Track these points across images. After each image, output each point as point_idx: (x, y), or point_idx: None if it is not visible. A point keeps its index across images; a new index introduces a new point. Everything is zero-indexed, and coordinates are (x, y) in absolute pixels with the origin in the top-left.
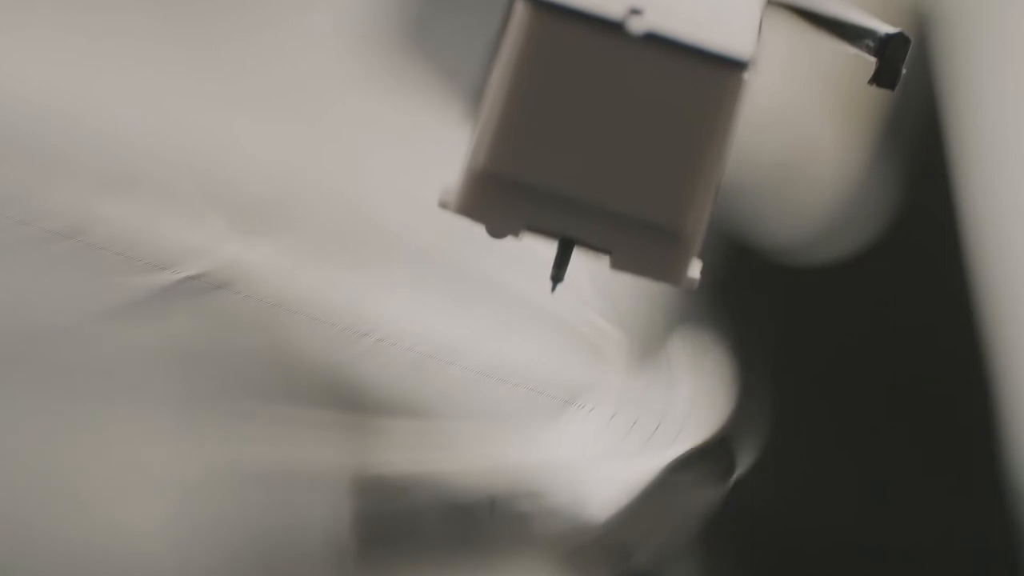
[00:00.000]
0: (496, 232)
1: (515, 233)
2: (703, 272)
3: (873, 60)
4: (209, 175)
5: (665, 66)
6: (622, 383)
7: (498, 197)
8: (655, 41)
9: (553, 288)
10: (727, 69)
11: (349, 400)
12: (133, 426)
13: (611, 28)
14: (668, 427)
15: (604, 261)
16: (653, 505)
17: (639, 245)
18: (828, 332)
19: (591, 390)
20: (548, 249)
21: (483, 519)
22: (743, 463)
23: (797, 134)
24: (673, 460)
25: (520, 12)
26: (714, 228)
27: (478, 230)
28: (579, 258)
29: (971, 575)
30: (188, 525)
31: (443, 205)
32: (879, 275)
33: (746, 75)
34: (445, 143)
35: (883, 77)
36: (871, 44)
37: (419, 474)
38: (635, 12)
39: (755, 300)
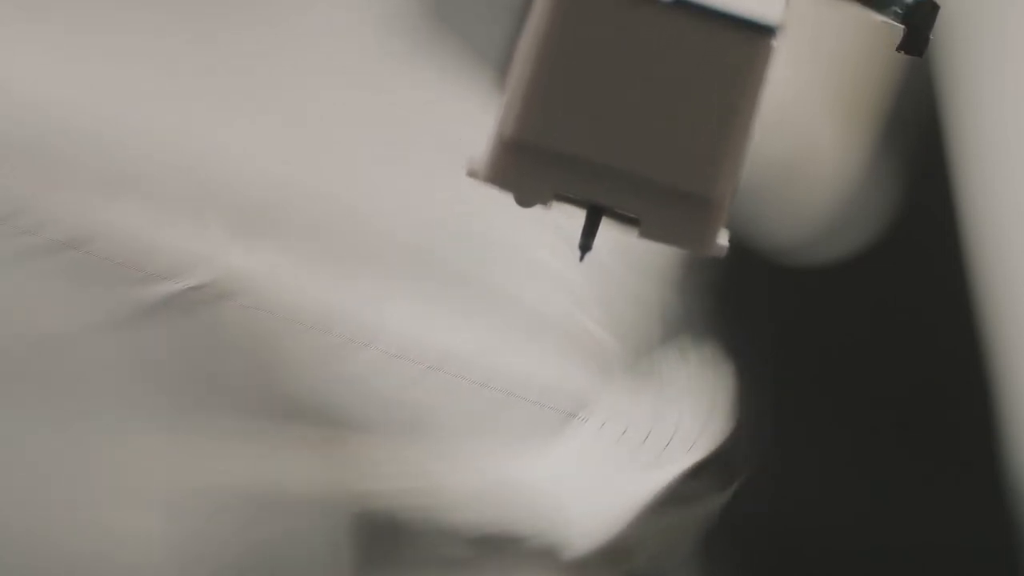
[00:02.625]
0: (525, 201)
1: (544, 202)
2: (704, 272)
3: (901, 27)
4: (211, 184)
5: (694, 32)
6: (626, 396)
7: (527, 165)
8: (684, 7)
9: (581, 257)
10: (757, 35)
11: (350, 412)
12: (134, 436)
13: None
14: (675, 441)
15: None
16: (656, 515)
17: (669, 213)
18: (828, 332)
19: (595, 403)
20: (550, 256)
21: (485, 531)
22: (744, 464)
23: (797, 134)
24: (678, 473)
25: None
26: None
27: (480, 238)
28: (582, 268)
29: (971, 575)
30: (186, 535)
31: (472, 175)
32: (879, 275)
33: (775, 41)
34: (448, 152)
35: (911, 44)
36: (899, 11)
37: (419, 488)
38: None
39: (755, 300)
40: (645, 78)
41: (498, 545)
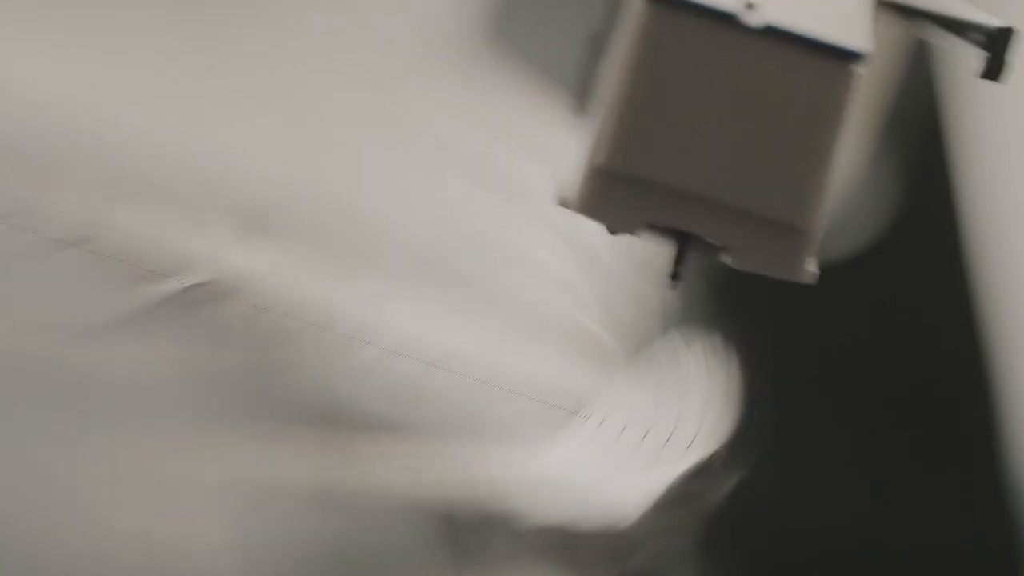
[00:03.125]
0: (615, 230)
1: (634, 231)
2: (704, 273)
3: (982, 54)
4: (211, 183)
5: (784, 59)
6: (627, 394)
7: (619, 195)
8: (773, 34)
9: (672, 287)
10: (845, 62)
11: (352, 411)
12: (138, 436)
13: (729, 22)
14: (675, 440)
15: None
16: (657, 513)
17: (759, 241)
18: (828, 332)
19: (596, 400)
20: (550, 256)
21: (488, 530)
22: (744, 464)
23: None
24: (679, 471)
25: (639, 7)
26: None
27: (481, 237)
28: (582, 268)
29: (971, 575)
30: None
31: (563, 204)
32: (879, 275)
33: (863, 68)
34: (450, 150)
35: (992, 70)
36: (979, 38)
37: (422, 485)
38: (750, 6)
39: (755, 300)
40: (734, 105)
41: (499, 542)
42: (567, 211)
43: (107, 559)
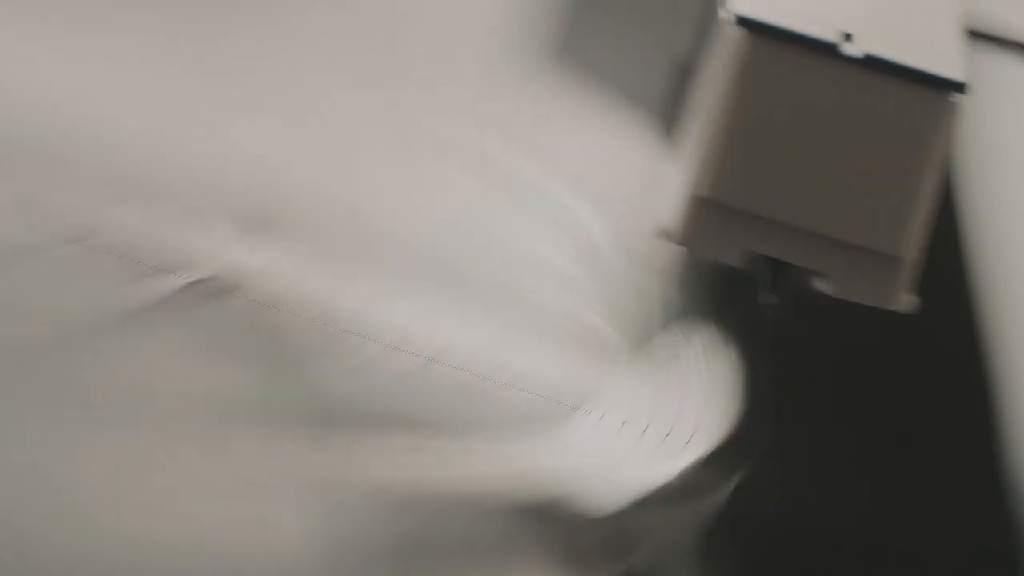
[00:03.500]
0: (715, 258)
1: (734, 260)
2: (705, 271)
3: None
4: (212, 182)
5: (883, 89)
6: (629, 389)
7: (720, 224)
8: (873, 64)
9: (768, 311)
10: (945, 92)
11: (353, 406)
12: (139, 432)
13: (828, 52)
14: (676, 436)
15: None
16: (657, 510)
17: (858, 271)
18: (828, 332)
19: (597, 396)
20: (552, 252)
21: (490, 524)
22: (744, 464)
23: None
24: (681, 467)
25: (737, 38)
26: None
27: (482, 234)
28: (581, 262)
29: (971, 575)
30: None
31: (664, 237)
32: None
33: (962, 98)
34: (450, 148)
35: None
36: None
37: (425, 480)
38: (848, 36)
39: (755, 300)
40: (833, 136)
41: (499, 539)
42: (667, 243)
43: (107, 559)
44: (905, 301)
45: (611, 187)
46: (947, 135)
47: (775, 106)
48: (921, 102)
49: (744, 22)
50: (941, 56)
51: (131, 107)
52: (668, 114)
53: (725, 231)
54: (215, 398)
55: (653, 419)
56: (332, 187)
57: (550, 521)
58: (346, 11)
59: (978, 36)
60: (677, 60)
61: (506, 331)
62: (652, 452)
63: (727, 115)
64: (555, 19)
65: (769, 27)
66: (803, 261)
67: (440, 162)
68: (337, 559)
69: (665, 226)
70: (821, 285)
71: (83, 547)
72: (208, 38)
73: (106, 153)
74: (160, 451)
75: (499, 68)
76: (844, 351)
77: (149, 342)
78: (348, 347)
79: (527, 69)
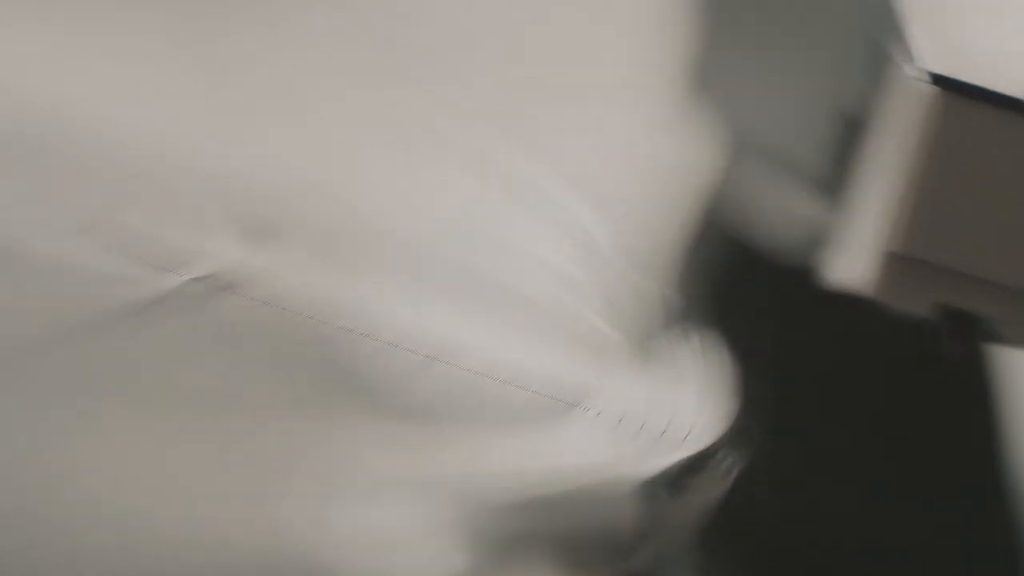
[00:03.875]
0: (905, 309)
1: (923, 312)
2: (705, 271)
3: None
4: (213, 181)
5: None
6: (627, 386)
7: (913, 278)
8: None
9: (953, 362)
10: None
11: (352, 402)
12: (139, 428)
13: (1016, 107)
14: (674, 433)
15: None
16: (656, 507)
17: None
18: (828, 332)
19: (596, 393)
20: (552, 251)
21: (488, 521)
22: (743, 463)
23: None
24: (676, 463)
25: (930, 96)
26: (716, 228)
27: (482, 233)
28: (581, 261)
29: (971, 575)
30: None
31: (854, 288)
32: None
33: None
34: (455, 147)
35: None
36: None
37: (423, 476)
38: None
39: (755, 300)
40: (1022, 190)
41: (503, 530)
42: (857, 295)
43: (111, 551)
44: None
45: (611, 187)
46: None
47: (963, 162)
48: None
49: (938, 80)
50: None
51: (131, 107)
52: (834, 166)
53: (918, 284)
54: (216, 394)
55: (650, 416)
56: (332, 186)
57: (549, 518)
58: (346, 11)
59: None
60: (844, 112)
61: (505, 329)
62: (649, 449)
63: (919, 173)
64: (698, 60)
65: (962, 85)
66: (992, 313)
67: (440, 162)
68: (336, 556)
69: (855, 279)
70: (1005, 334)
71: (87, 541)
72: (208, 38)
73: (106, 153)
74: (160, 445)
75: (499, 68)
76: (844, 351)
77: (149, 340)
78: (348, 344)
79: (527, 69)
